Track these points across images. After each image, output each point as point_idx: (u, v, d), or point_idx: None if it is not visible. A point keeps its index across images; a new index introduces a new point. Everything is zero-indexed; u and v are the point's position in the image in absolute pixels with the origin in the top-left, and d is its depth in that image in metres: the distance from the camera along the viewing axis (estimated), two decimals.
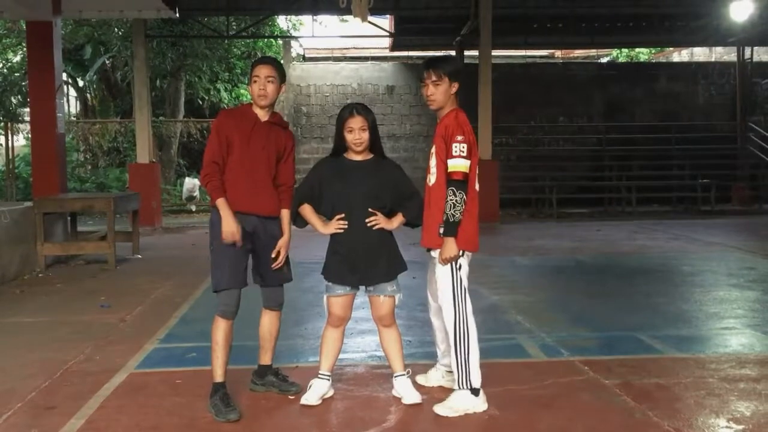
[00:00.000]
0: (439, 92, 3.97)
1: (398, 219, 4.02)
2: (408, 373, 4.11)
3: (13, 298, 7.30)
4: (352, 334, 5.50)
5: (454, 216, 3.78)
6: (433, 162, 3.96)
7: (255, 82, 3.97)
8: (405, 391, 4.05)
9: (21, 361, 4.99)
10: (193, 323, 6.08)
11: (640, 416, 3.80)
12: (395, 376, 4.10)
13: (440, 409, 3.87)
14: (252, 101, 4.05)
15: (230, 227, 3.85)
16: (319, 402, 4.02)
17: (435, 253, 3.94)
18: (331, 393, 4.14)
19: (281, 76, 4.03)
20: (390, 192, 3.99)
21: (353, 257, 3.94)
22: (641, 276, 8.20)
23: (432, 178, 3.95)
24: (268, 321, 4.22)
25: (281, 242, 4.08)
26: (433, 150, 3.96)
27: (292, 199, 4.08)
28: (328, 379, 4.10)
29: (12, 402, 4.14)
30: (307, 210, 4.03)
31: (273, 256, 4.05)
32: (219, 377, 3.92)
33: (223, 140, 3.96)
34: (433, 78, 3.95)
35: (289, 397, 4.15)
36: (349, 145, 3.94)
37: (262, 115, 4.04)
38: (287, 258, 4.15)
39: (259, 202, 3.99)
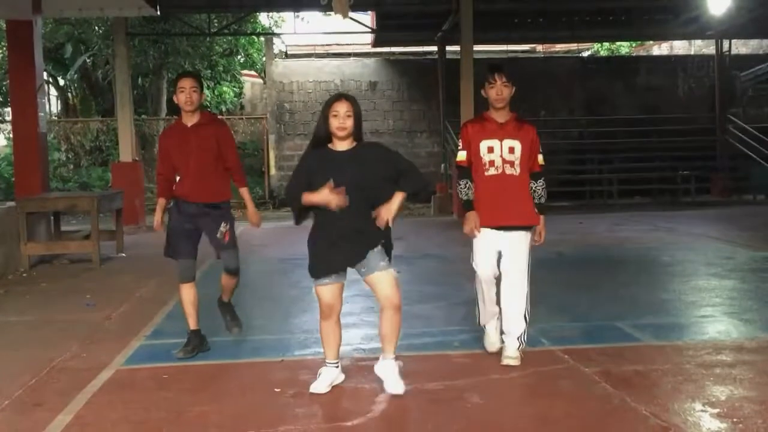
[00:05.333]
0: (507, 93, 4.58)
1: (397, 198, 3.96)
2: (399, 364, 4.10)
3: None
4: None
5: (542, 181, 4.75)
6: (515, 156, 4.60)
7: (182, 92, 4.78)
8: (390, 376, 4.06)
9: (7, 360, 5.01)
10: (179, 319, 6.06)
11: (618, 402, 3.89)
12: (383, 358, 4.10)
13: (509, 360, 4.56)
14: (181, 109, 4.86)
15: (155, 221, 4.98)
16: (329, 389, 4.09)
17: (522, 232, 4.67)
18: (342, 378, 4.21)
19: (201, 85, 4.91)
20: (380, 175, 3.96)
21: (339, 240, 3.93)
22: (622, 267, 8.32)
23: (517, 170, 4.63)
24: (222, 277, 5.07)
25: (249, 214, 5.06)
26: (515, 146, 4.60)
27: (288, 201, 4.24)
28: (336, 366, 4.18)
29: None
30: (305, 198, 3.96)
31: (221, 229, 4.86)
32: (191, 326, 4.96)
33: (165, 154, 4.95)
34: (504, 79, 4.55)
35: (232, 328, 5.00)
36: (333, 131, 3.95)
37: (190, 121, 4.87)
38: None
39: (199, 194, 4.83)
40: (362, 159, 3.98)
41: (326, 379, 4.12)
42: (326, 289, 4.03)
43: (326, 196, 3.87)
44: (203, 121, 4.91)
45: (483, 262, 4.66)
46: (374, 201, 3.95)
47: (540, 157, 4.74)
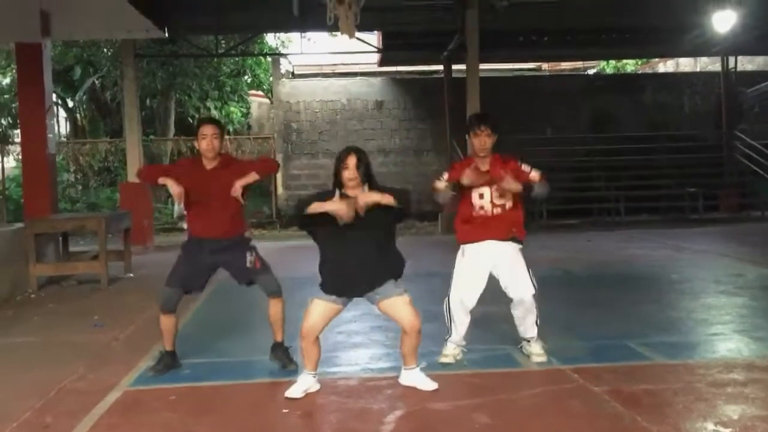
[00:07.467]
0: (491, 143, 4.89)
1: (380, 195, 4.21)
2: (422, 365, 4.54)
3: (5, 320, 7.29)
4: (344, 347, 5.55)
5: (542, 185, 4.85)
6: (505, 199, 4.88)
7: (203, 139, 4.83)
8: (419, 381, 4.44)
9: (14, 382, 5.01)
10: (186, 340, 6.08)
11: (628, 422, 3.85)
12: (407, 369, 4.48)
13: (539, 358, 4.96)
14: (201, 154, 4.90)
15: (175, 189, 4.73)
16: (303, 395, 4.33)
17: (512, 243, 4.91)
18: (316, 387, 4.45)
19: (223, 132, 4.96)
20: (385, 218, 4.26)
21: (346, 271, 4.27)
22: (630, 285, 8.27)
23: (508, 204, 4.91)
24: (269, 306, 5.00)
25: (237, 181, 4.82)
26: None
27: (296, 207, 4.49)
28: (314, 376, 4.44)
29: (5, 423, 4.15)
30: (315, 206, 4.23)
31: (249, 259, 4.91)
32: (167, 347, 5.00)
33: (174, 171, 4.92)
34: (489, 131, 4.85)
35: (289, 368, 4.82)
36: (344, 182, 4.27)
37: (209, 165, 4.92)
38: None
39: (216, 229, 4.86)
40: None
41: (302, 386, 4.38)
42: (320, 305, 4.33)
43: (337, 204, 4.17)
44: (222, 164, 4.95)
45: (469, 283, 4.91)
46: (380, 241, 4.32)
47: (534, 174, 4.88)
